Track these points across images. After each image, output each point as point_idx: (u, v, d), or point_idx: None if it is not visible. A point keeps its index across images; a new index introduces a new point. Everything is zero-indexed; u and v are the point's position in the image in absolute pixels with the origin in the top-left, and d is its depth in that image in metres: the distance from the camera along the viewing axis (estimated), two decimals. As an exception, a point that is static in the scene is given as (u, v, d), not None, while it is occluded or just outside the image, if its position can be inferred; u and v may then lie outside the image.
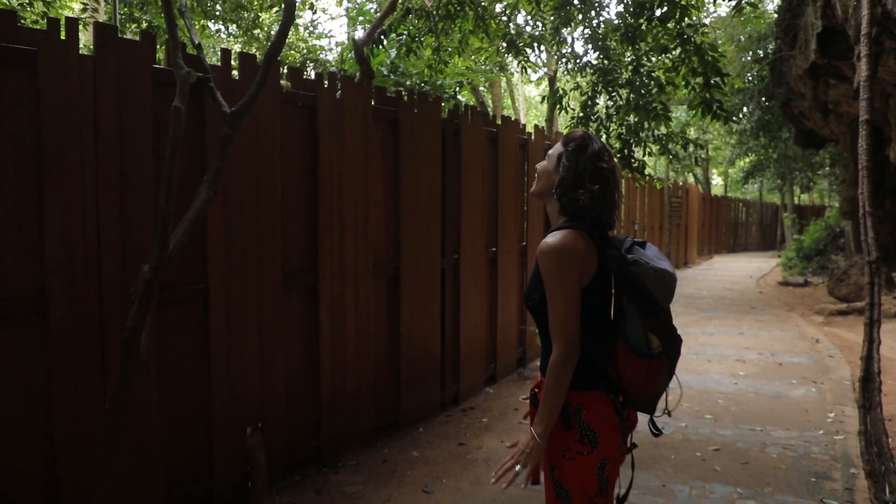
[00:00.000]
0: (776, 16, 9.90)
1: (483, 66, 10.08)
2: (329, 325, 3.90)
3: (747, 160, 19.55)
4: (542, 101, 6.81)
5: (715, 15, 14.10)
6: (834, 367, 6.24)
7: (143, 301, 2.36)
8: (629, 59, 5.52)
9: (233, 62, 3.37)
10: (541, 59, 12.79)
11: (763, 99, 11.76)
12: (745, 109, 12.70)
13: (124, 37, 2.91)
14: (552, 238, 1.78)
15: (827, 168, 16.31)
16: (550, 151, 1.95)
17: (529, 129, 6.75)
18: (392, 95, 4.42)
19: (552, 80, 14.02)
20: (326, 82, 3.80)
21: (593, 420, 1.76)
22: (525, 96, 25.50)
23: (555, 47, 6.39)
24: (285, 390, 3.63)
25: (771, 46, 12.16)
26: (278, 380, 3.57)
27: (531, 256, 6.41)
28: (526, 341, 6.37)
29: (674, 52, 5.16)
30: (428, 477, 3.72)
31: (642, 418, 1.98)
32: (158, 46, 3.82)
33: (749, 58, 12.51)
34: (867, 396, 3.34)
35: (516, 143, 6.07)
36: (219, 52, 3.30)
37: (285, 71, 3.73)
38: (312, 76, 3.79)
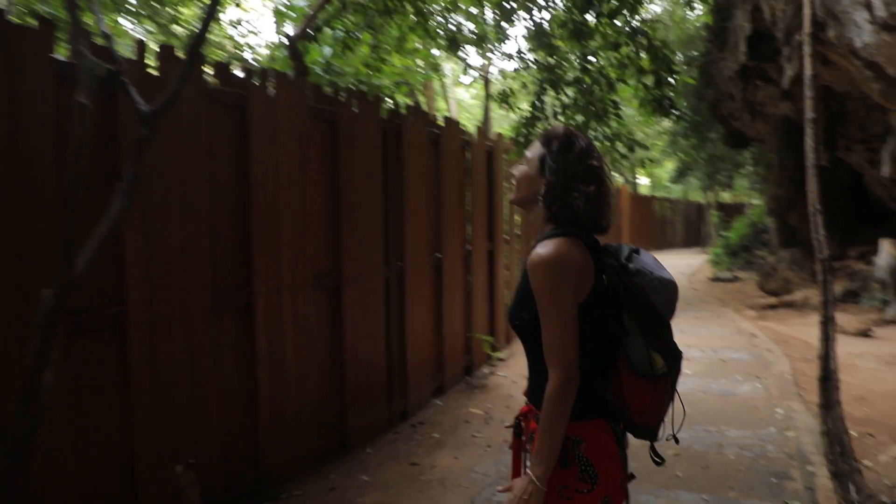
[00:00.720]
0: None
1: (419, 68, 9.86)
2: (266, 344, 3.56)
3: (675, 160, 20.15)
4: (488, 99, 6.61)
5: (645, 16, 14.39)
6: (774, 362, 6.35)
7: (44, 335, 1.99)
8: (577, 57, 5.40)
9: (152, 58, 3.00)
10: (477, 59, 12.67)
11: (693, 100, 12.10)
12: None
13: (16, 23, 2.50)
14: (544, 248, 1.55)
15: (749, 167, 17.03)
16: (529, 153, 1.72)
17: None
18: (330, 94, 4.13)
19: (487, 81, 13.96)
20: (258, 79, 3.47)
21: (593, 454, 1.56)
22: (456, 99, 25.44)
23: (497, 43, 6.22)
24: (219, 419, 3.27)
25: (696, 50, 12.50)
26: (211, 408, 3.21)
27: (475, 261, 6.23)
28: (472, 349, 6.18)
29: (625, 49, 5.08)
30: (381, 505, 3.45)
31: (634, 441, 1.79)
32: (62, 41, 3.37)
33: (680, 59, 12.84)
34: (826, 395, 3.31)
35: (459, 144, 5.88)
36: (134, 49, 2.91)
37: (211, 69, 3.38)
38: (241, 74, 3.45)
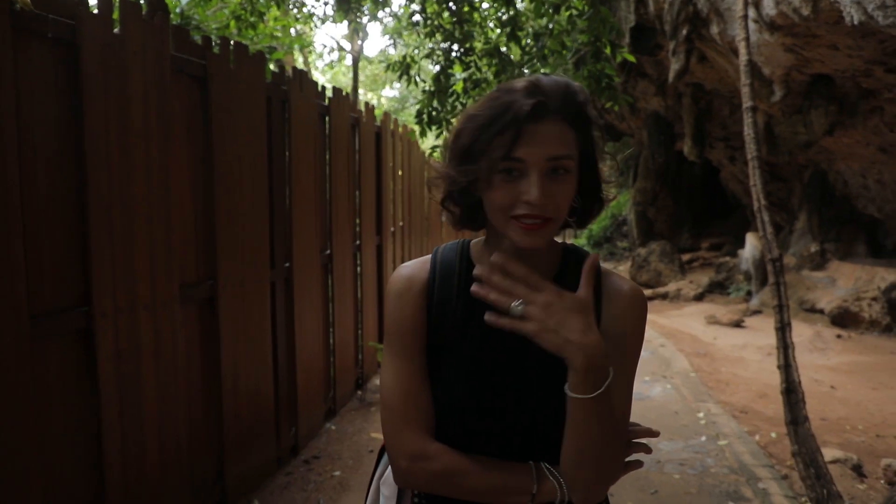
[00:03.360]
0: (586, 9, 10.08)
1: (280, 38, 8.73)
2: (115, 381, 2.55)
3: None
4: (387, 70, 5.72)
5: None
6: (672, 359, 6.26)
7: None
8: (504, 19, 4.71)
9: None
10: (348, 44, 11.68)
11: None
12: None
13: None
14: (628, 282, 1.11)
15: (608, 161, 17.66)
16: (562, 147, 0.97)
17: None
18: (198, 42, 3.14)
19: (356, 61, 13.02)
20: (95, 7, 2.43)
21: None
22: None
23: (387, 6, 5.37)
24: (43, 488, 2.24)
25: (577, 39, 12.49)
26: (29, 476, 2.18)
27: (365, 259, 5.45)
28: (364, 359, 5.42)
29: (564, 14, 4.49)
30: (283, 589, 2.61)
31: None
32: None
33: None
34: (793, 410, 3.00)
35: (348, 122, 5.05)
36: None
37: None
38: (71, -3, 2.39)
